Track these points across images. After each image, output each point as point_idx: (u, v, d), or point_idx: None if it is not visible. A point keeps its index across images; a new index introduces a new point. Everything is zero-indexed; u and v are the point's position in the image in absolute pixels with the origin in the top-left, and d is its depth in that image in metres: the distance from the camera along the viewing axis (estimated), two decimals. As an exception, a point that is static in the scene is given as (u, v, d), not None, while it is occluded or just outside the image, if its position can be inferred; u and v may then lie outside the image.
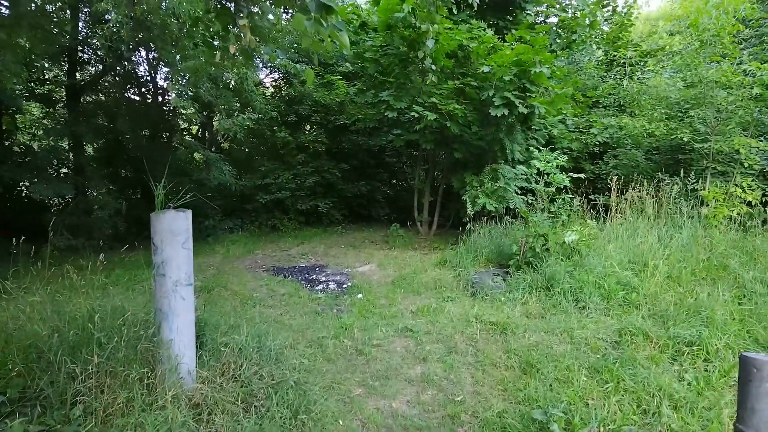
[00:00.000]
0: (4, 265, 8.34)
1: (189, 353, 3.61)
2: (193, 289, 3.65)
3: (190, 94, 8.64)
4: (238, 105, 10.40)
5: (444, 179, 11.17)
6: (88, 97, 11.50)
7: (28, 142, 8.59)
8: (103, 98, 11.23)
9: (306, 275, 8.42)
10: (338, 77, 12.57)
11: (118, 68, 10.50)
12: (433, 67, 8.32)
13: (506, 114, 8.07)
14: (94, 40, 8.87)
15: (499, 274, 7.07)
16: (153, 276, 3.53)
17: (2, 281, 4.47)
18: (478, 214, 8.95)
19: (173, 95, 7.88)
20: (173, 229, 3.46)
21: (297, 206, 12.34)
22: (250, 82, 8.96)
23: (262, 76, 15.07)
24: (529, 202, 8.52)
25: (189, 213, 3.58)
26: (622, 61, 12.56)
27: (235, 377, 3.70)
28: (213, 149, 14.57)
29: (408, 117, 11.00)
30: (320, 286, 7.73)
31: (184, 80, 8.32)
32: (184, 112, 8.52)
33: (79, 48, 9.87)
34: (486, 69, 8.10)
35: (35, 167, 8.28)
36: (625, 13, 13.28)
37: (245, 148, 14.14)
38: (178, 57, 8.17)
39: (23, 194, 9.10)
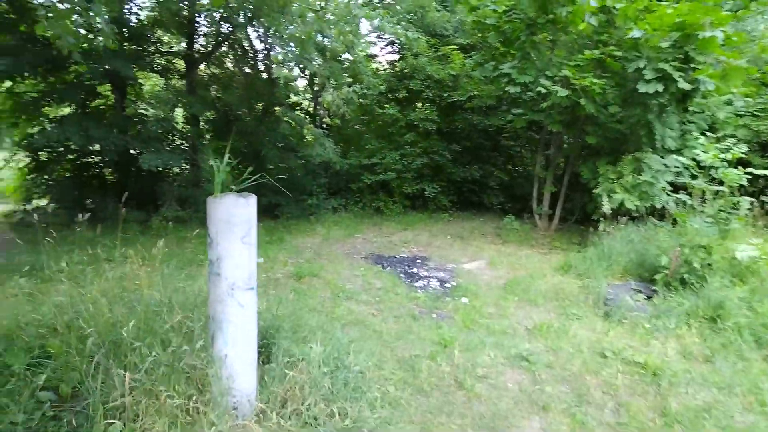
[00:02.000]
0: (115, 230, 8.56)
1: (246, 375, 2.95)
2: (255, 293, 2.96)
3: (293, 62, 8.12)
4: (346, 77, 9.76)
5: (570, 167, 9.68)
6: (204, 70, 11.62)
7: (144, 111, 8.66)
8: (217, 71, 11.23)
9: (406, 267, 7.62)
10: (454, 48, 11.44)
11: (231, 40, 10.36)
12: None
13: (660, 91, 6.49)
14: (211, 12, 8.66)
15: (641, 291, 5.70)
16: (207, 274, 2.90)
17: (108, 248, 4.36)
18: (613, 213, 7.48)
19: (277, 65, 7.34)
20: (231, 218, 2.78)
21: (403, 189, 11.56)
22: (357, 51, 8.23)
23: (375, 50, 14.40)
24: (683, 201, 6.89)
25: (252, 199, 2.89)
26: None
27: (298, 412, 2.98)
28: (323, 126, 14.36)
29: (532, 94, 9.66)
30: (420, 283, 6.89)
31: (290, 50, 7.80)
32: (291, 85, 8.04)
33: (196, 18, 9.81)
34: (636, 34, 6.54)
35: (147, 137, 8.33)
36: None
37: (353, 124, 13.60)
38: (285, 26, 7.66)
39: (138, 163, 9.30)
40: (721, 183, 5.88)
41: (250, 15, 8.48)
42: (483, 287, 6.64)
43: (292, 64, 8.12)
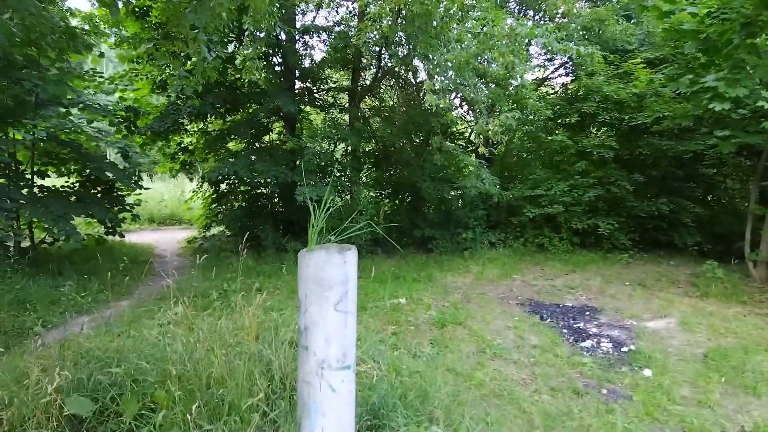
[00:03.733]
0: (275, 258, 8.81)
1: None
2: (353, 373, 2.36)
3: (450, 89, 7.62)
4: (508, 103, 8.96)
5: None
6: (368, 103, 11.82)
7: (308, 145, 8.97)
8: (378, 104, 11.32)
9: (570, 320, 6.43)
10: (639, 64, 9.86)
11: (392, 72, 10.35)
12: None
13: None
14: (368, 43, 8.69)
15: None
16: (297, 347, 2.38)
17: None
18: None
19: (429, 94, 6.89)
20: (322, 278, 2.23)
21: (571, 224, 10.18)
22: (519, 72, 7.39)
23: (545, 73, 13.32)
24: None
25: (351, 255, 2.31)
26: None
27: None
28: (484, 155, 13.62)
29: (745, 111, 7.73)
30: (588, 342, 5.68)
31: (445, 75, 7.33)
32: (448, 113, 7.54)
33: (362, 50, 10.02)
34: None
35: (306, 170, 8.53)
36: None
37: (517, 151, 12.61)
38: (440, 51, 7.22)
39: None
40: None
41: (402, 42, 8.27)
42: (673, 356, 5.20)
43: (448, 91, 7.58)
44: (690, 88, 6.97)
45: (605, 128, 10.77)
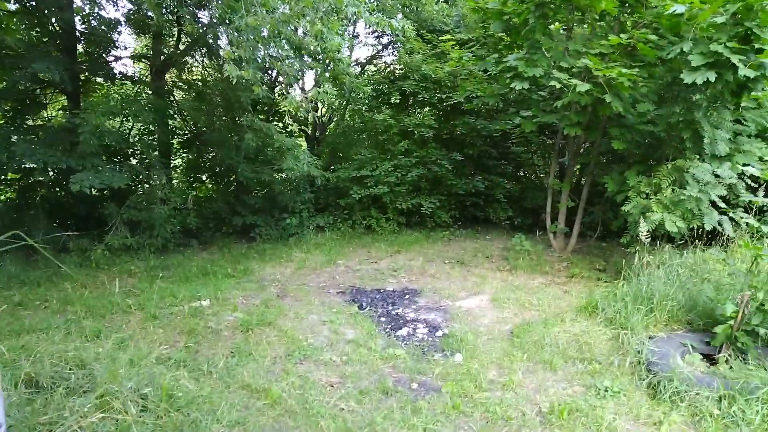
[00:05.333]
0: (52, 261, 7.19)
1: None
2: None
3: (256, 60, 6.79)
4: (327, 78, 8.39)
5: (590, 177, 8.18)
6: (175, 77, 10.35)
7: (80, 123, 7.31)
8: (187, 77, 9.97)
9: (390, 306, 6.17)
10: (453, 42, 10.03)
11: (186, 34, 9.11)
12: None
13: (711, 81, 4.98)
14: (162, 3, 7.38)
15: (695, 349, 4.19)
16: None
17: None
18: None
19: (229, 63, 5.98)
20: None
21: (396, 204, 10.10)
22: (332, 44, 6.83)
23: (363, 51, 13.06)
24: (738, 221, 5.36)
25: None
26: None
27: None
28: (318, 134, 13.01)
29: (543, 93, 8.19)
30: (405, 330, 5.43)
31: (247, 42, 6.46)
32: (257, 88, 6.67)
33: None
34: (679, 9, 5.05)
35: (85, 153, 7.00)
36: None
37: (344, 131, 12.21)
38: (241, 14, 6.30)
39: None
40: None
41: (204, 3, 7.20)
42: (484, 336, 5.16)
43: (255, 62, 6.73)
44: (496, 68, 7.08)
45: (427, 108, 10.86)
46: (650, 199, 5.86)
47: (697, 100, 5.64)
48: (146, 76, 9.83)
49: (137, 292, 6.21)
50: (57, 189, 8.59)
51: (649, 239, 5.37)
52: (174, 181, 10.42)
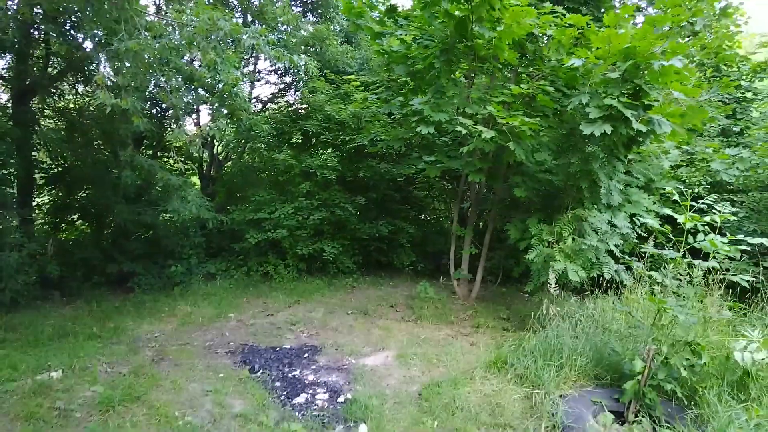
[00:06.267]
0: None
1: None
2: None
3: (136, 88, 6.02)
4: (221, 112, 7.74)
5: (492, 224, 8.19)
6: (41, 103, 9.06)
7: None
8: (44, 99, 8.75)
9: (287, 368, 5.49)
10: (357, 85, 9.85)
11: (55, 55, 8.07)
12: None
13: (608, 133, 5.10)
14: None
15: (609, 409, 4.01)
16: None
17: None
18: (544, 284, 5.95)
19: (103, 90, 5.17)
20: None
21: (296, 249, 9.44)
22: (226, 76, 6.27)
23: (265, 89, 12.56)
24: (635, 270, 5.46)
25: None
26: (729, 77, 9.48)
27: None
28: (213, 172, 12.06)
29: (446, 139, 8.18)
30: (302, 397, 4.79)
31: (127, 68, 5.70)
32: (139, 120, 5.84)
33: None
34: (576, 62, 5.18)
35: None
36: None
37: (241, 170, 11.43)
38: (120, 37, 5.56)
39: None
40: (695, 253, 4.42)
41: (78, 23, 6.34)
42: (390, 400, 4.68)
43: (134, 89, 5.95)
44: (401, 111, 6.92)
45: (330, 149, 10.49)
46: (553, 247, 5.84)
47: (593, 151, 5.80)
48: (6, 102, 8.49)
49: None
50: None
51: (558, 290, 5.28)
52: (37, 223, 8.97)
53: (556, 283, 5.23)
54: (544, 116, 6.10)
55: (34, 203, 8.92)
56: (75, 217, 9.41)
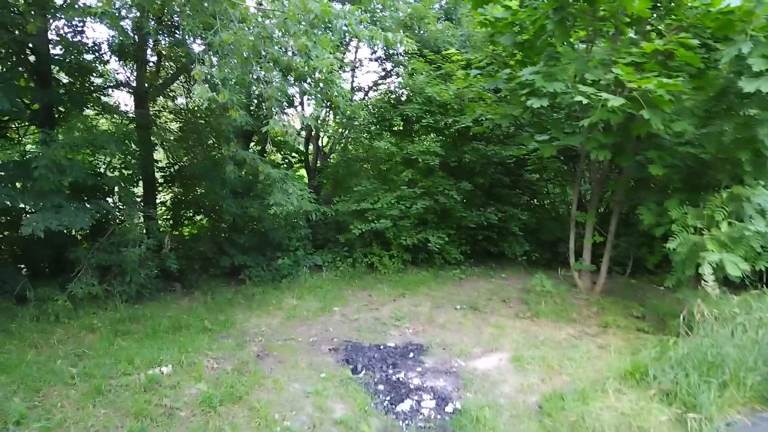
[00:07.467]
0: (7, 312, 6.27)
1: None
2: None
3: (233, 80, 5.98)
4: (321, 101, 7.55)
5: (618, 208, 7.17)
6: (161, 106, 9.62)
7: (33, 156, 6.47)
8: (171, 105, 9.22)
9: (390, 369, 5.12)
10: (460, 61, 9.20)
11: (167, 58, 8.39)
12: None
13: (777, 89, 4.02)
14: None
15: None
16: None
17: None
18: (696, 278, 4.93)
19: (200, 84, 5.14)
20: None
21: (401, 239, 9.10)
22: (319, 62, 6.01)
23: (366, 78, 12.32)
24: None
25: None
26: None
27: None
28: (319, 164, 12.15)
29: (560, 113, 7.27)
30: (407, 403, 4.39)
31: (222, 60, 5.66)
32: (237, 114, 5.84)
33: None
34: (733, 1, 4.13)
35: (41, 191, 6.16)
36: None
37: (345, 160, 11.33)
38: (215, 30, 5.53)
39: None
40: None
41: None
42: (505, 412, 4.11)
43: (228, 82, 5.91)
44: (507, 85, 6.19)
45: (432, 134, 9.96)
46: (702, 234, 4.82)
47: (755, 115, 4.66)
48: (129, 105, 9.10)
49: (91, 355, 5.25)
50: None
51: (716, 287, 4.31)
52: (161, 220, 9.56)
53: (713, 279, 4.26)
54: (686, 77, 5.04)
55: (158, 201, 9.51)
56: (191, 212, 9.88)
